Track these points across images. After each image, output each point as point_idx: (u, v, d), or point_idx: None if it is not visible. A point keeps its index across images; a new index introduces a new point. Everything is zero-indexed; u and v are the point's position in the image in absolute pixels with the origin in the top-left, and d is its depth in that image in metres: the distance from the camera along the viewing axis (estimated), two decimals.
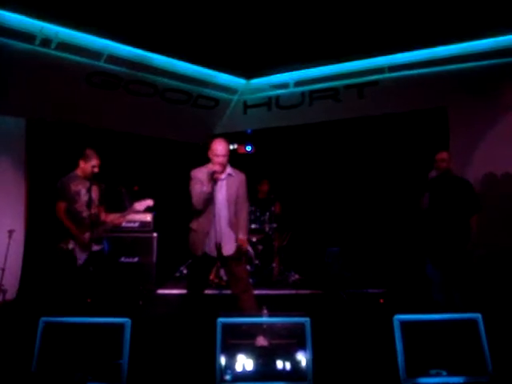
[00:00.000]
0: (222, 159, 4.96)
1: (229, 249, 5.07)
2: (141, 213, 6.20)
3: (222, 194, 5.05)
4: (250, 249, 8.12)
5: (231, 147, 9.66)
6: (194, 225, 5.15)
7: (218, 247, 4.95)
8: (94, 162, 5.39)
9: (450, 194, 5.70)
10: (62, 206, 5.33)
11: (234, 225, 5.13)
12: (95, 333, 3.55)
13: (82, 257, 5.24)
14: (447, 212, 5.67)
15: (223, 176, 5.07)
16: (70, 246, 5.22)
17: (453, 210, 5.66)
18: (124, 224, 7.13)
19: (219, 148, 4.98)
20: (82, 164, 5.42)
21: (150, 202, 5.38)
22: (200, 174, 5.02)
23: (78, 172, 5.44)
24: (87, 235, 5.22)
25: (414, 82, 7.97)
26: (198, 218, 5.07)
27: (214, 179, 4.88)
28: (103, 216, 5.52)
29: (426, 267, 5.88)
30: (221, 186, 5.05)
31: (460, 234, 5.63)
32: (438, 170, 5.76)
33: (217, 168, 4.93)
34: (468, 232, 5.62)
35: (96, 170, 5.40)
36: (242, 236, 5.15)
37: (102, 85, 7.73)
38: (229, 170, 5.12)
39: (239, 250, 5.10)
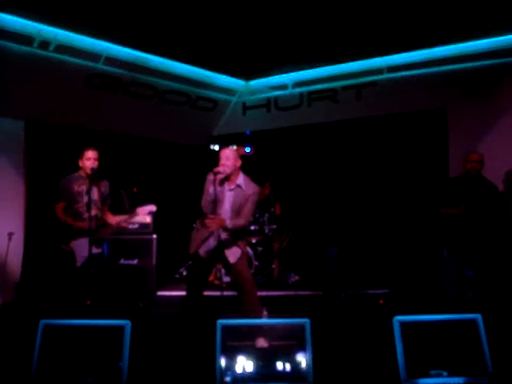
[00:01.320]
0: (223, 161, 5.00)
1: (233, 255, 5.11)
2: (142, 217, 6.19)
3: (228, 203, 5.08)
4: (249, 250, 8.12)
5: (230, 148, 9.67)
6: (198, 224, 5.26)
7: (221, 254, 5.05)
8: (89, 154, 5.35)
9: (477, 194, 5.77)
10: (60, 206, 5.33)
11: (236, 234, 5.13)
12: (95, 335, 3.54)
13: (81, 258, 5.24)
14: (473, 211, 5.73)
15: (232, 186, 5.09)
16: (71, 246, 5.23)
17: (477, 209, 5.73)
18: None
19: (222, 152, 5.09)
20: (80, 163, 5.41)
21: (152, 208, 5.40)
22: (210, 175, 5.05)
23: (81, 173, 5.43)
24: (85, 224, 5.19)
25: (413, 83, 7.98)
26: (204, 220, 5.10)
27: (215, 179, 4.91)
28: (107, 218, 5.53)
29: (444, 262, 5.94)
30: (229, 195, 5.08)
31: (489, 236, 5.76)
32: (471, 171, 5.78)
33: (219, 168, 4.96)
34: (492, 235, 5.79)
35: (92, 162, 5.33)
36: (228, 221, 4.97)
37: (101, 87, 7.74)
38: (240, 180, 5.11)
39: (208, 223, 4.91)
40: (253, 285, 5.21)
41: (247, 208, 5.08)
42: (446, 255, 5.96)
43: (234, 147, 9.63)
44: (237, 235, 5.13)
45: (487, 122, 7.39)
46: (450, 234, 5.91)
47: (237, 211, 5.08)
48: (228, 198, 5.08)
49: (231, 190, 5.09)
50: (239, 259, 5.13)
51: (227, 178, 5.05)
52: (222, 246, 5.04)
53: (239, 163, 5.12)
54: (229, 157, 5.02)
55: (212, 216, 4.86)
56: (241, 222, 5.06)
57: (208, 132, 9.80)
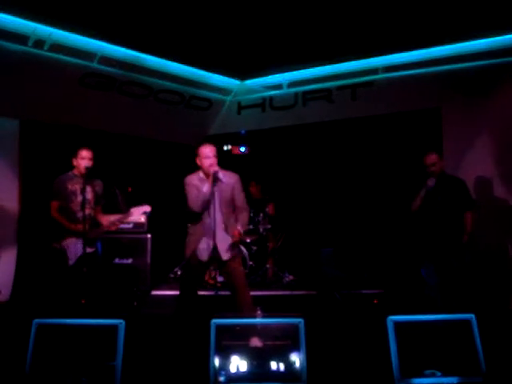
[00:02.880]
0: (213, 160, 4.97)
1: (227, 253, 5.09)
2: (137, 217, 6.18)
3: (217, 199, 5.04)
4: (244, 250, 8.10)
5: (225, 148, 9.67)
6: (191, 229, 5.20)
7: (215, 252, 5.01)
8: (84, 153, 5.35)
9: (442, 192, 5.70)
10: (54, 205, 5.32)
11: (229, 229, 5.12)
12: (89, 334, 3.54)
13: (73, 257, 5.23)
14: (439, 210, 5.68)
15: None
16: (63, 245, 5.22)
17: (444, 207, 5.68)
18: None
19: (207, 150, 5.02)
20: (74, 162, 5.41)
21: (146, 208, 5.40)
22: (194, 180, 5.03)
23: (75, 171, 5.43)
24: (80, 227, 5.17)
25: (408, 83, 7.98)
26: (195, 223, 5.10)
27: (215, 179, 4.89)
28: (99, 217, 5.53)
29: (421, 269, 5.89)
30: (214, 190, 5.06)
31: (453, 231, 5.66)
32: (432, 175, 5.75)
33: (216, 168, 4.94)
34: (461, 228, 5.66)
35: (87, 162, 5.32)
36: (239, 227, 5.10)
37: (96, 86, 7.72)
38: (220, 174, 5.06)
39: (233, 240, 5.06)
40: (245, 284, 5.21)
41: (240, 198, 5.18)
42: (424, 266, 5.90)
43: (242, 149, 9.67)
44: (229, 230, 5.13)
45: (482, 122, 7.40)
46: (424, 242, 5.87)
47: (229, 203, 5.10)
48: (216, 195, 5.06)
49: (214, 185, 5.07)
50: (234, 257, 5.14)
51: (208, 175, 5.04)
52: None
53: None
54: (215, 154, 5.02)
55: (236, 235, 4.99)
56: (245, 215, 5.20)
57: (203, 131, 9.78)
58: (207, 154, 5.00)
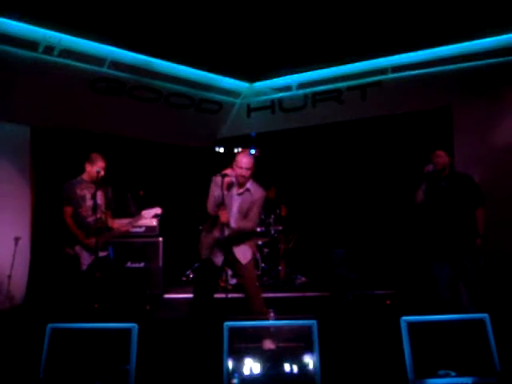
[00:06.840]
0: (244, 172, 4.93)
1: (245, 257, 5.09)
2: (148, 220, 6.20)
3: (235, 207, 5.05)
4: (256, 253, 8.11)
5: (235, 150, 9.67)
6: (205, 228, 5.19)
7: (232, 257, 5.03)
8: (100, 164, 5.40)
9: (452, 189, 5.66)
10: (68, 211, 5.36)
11: (245, 235, 5.10)
12: (102, 338, 3.54)
13: (86, 262, 5.26)
14: (449, 207, 5.61)
15: (241, 190, 5.05)
16: (76, 250, 5.25)
17: (454, 204, 5.60)
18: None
19: (243, 160, 4.96)
20: (87, 168, 5.44)
21: (157, 210, 5.42)
22: (218, 178, 5.02)
23: (84, 176, 5.46)
24: (93, 241, 5.23)
25: (417, 83, 7.96)
26: (211, 224, 5.10)
27: (222, 182, 4.88)
28: (110, 221, 5.55)
29: (432, 266, 5.84)
30: (237, 199, 5.05)
31: (465, 229, 5.55)
32: (435, 166, 5.72)
33: (228, 171, 4.95)
34: (474, 227, 5.55)
35: (102, 173, 5.39)
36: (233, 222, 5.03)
37: (106, 91, 7.75)
38: (249, 185, 5.06)
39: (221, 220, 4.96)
40: (257, 287, 5.22)
41: (254, 212, 5.07)
42: (435, 264, 5.82)
43: (253, 151, 9.63)
44: (246, 237, 5.13)
45: (492, 121, 7.36)
46: (434, 241, 5.79)
47: (244, 214, 5.06)
48: (235, 203, 5.05)
49: (240, 194, 5.06)
50: (249, 261, 5.13)
51: (238, 183, 5.04)
52: (231, 243, 5.02)
53: (253, 170, 5.06)
54: (249, 167, 4.95)
55: (223, 211, 4.86)
56: (248, 225, 5.06)
57: (213, 134, 9.81)
58: (242, 164, 4.93)
